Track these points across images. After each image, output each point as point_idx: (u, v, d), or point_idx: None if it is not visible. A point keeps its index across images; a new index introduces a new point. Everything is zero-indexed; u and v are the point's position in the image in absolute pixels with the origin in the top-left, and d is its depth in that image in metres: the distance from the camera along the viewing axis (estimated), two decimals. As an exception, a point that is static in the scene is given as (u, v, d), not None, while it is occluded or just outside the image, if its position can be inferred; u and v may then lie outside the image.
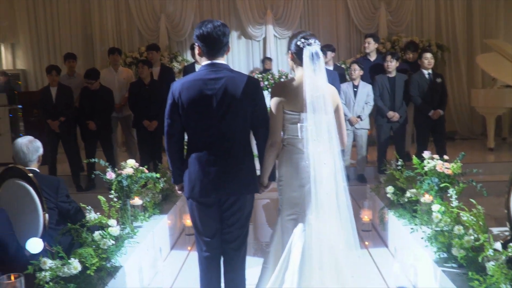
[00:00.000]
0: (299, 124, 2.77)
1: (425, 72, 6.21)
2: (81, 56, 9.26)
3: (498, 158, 7.45)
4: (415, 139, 7.44)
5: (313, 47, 2.76)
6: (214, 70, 2.75)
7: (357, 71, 6.34)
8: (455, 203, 3.20)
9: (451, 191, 3.24)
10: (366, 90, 6.37)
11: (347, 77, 6.99)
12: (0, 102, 7.93)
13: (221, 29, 2.73)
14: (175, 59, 8.91)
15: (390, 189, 4.29)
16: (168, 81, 7.12)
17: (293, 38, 2.87)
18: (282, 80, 7.76)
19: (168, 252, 4.56)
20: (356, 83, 6.39)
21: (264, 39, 9.15)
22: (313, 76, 2.73)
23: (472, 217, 2.89)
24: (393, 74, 6.31)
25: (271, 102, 2.83)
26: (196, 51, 2.84)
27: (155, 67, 7.17)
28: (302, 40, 2.78)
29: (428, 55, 6.19)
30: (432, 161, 3.59)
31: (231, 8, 9.17)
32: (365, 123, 6.50)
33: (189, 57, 9.10)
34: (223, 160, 2.76)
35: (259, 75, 8.02)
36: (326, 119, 2.72)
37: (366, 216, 4.96)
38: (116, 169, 3.80)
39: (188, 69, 7.21)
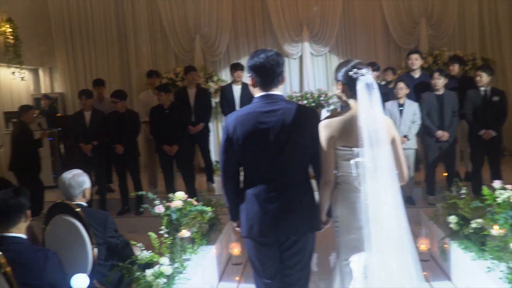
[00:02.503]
0: (353, 161, 2.56)
1: (482, 89, 5.93)
2: (117, 79, 9.33)
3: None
4: (463, 157, 7.15)
5: (367, 77, 2.56)
6: (270, 102, 2.60)
7: (403, 89, 6.08)
8: (538, 239, 2.91)
9: (534, 227, 2.96)
10: (412, 109, 6.10)
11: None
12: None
13: (274, 58, 2.59)
14: (210, 79, 8.82)
15: (453, 219, 4.00)
16: (204, 102, 7.05)
17: (341, 67, 2.68)
18: (321, 101, 7.57)
19: (216, 284, 4.38)
20: (401, 102, 6.12)
21: (301, 57, 8.97)
22: (369, 108, 2.52)
23: None
24: (441, 91, 6.04)
25: (321, 139, 2.62)
26: (249, 81, 2.69)
27: (191, 88, 7.09)
28: (355, 70, 2.58)
29: (480, 72, 5.93)
30: (505, 192, 3.30)
31: (267, 26, 9.05)
32: (412, 143, 6.20)
33: (224, 77, 9.01)
34: (283, 196, 2.59)
35: (297, 95, 7.86)
36: (384, 153, 2.50)
37: (423, 245, 4.66)
38: (164, 202, 3.65)
39: (225, 89, 7.10)
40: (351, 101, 2.65)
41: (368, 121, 2.49)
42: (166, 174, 6.48)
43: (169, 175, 6.49)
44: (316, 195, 2.73)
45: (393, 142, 2.63)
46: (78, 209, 3.21)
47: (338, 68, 2.71)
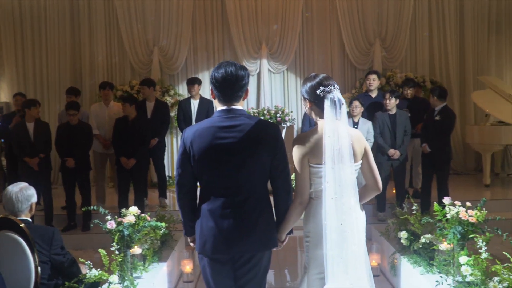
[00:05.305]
0: None
1: (434, 108, 6.22)
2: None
3: (494, 195, 7.40)
4: (412, 175, 7.38)
5: (334, 93, 2.52)
6: (230, 117, 2.55)
7: (358, 108, 6.22)
8: (484, 254, 3.00)
9: (481, 242, 3.05)
10: (366, 127, 6.25)
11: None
12: (-18, 137, 7.57)
13: (234, 73, 2.54)
14: (167, 93, 8.70)
15: (403, 234, 4.09)
16: (161, 116, 6.96)
17: (306, 83, 2.62)
18: (278, 118, 7.63)
19: (167, 303, 4.27)
20: (356, 120, 6.26)
21: (259, 74, 9.02)
22: (335, 126, 2.49)
23: (509, 272, 2.70)
24: (393, 111, 6.23)
25: (294, 158, 2.59)
26: (210, 95, 2.65)
27: (149, 101, 7.00)
28: (321, 87, 2.53)
29: (430, 94, 6.25)
30: (454, 208, 3.40)
31: (226, 41, 9.06)
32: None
33: (181, 91, 8.92)
34: (239, 213, 2.54)
35: (255, 111, 7.89)
36: (347, 172, 2.48)
37: (374, 260, 4.73)
38: (116, 217, 3.52)
39: (183, 103, 7.04)
40: (320, 120, 2.60)
41: (332, 140, 2.46)
42: (123, 188, 6.31)
43: (125, 189, 6.33)
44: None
45: (365, 154, 2.63)
46: (22, 225, 3.06)
47: (304, 84, 2.64)
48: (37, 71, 9.13)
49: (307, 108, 2.67)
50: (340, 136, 2.48)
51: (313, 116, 2.67)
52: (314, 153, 2.55)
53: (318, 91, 2.54)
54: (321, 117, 2.58)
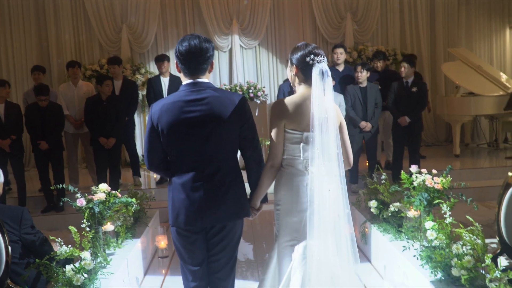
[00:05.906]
0: (301, 144, 2.57)
1: (404, 80, 6.27)
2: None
3: (463, 165, 7.58)
4: (384, 147, 7.51)
5: (323, 64, 2.56)
6: (196, 90, 2.54)
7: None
8: (449, 219, 3.10)
9: (445, 208, 3.14)
10: (337, 100, 6.27)
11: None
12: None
13: (197, 46, 2.52)
14: (138, 71, 8.57)
15: (373, 203, 4.18)
16: (130, 95, 6.88)
17: (297, 51, 2.65)
18: (250, 94, 7.61)
19: (142, 278, 4.29)
20: (327, 94, 6.29)
21: (230, 50, 8.96)
22: (322, 95, 2.53)
23: (471, 235, 2.79)
24: (364, 84, 6.29)
25: (271, 121, 2.63)
26: (176, 68, 2.63)
27: (117, 80, 6.89)
28: (312, 56, 2.57)
29: (404, 64, 6.28)
30: (420, 176, 3.49)
31: (196, 18, 8.93)
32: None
33: (152, 69, 8.80)
34: (210, 185, 2.56)
35: (227, 87, 7.85)
36: (333, 140, 2.52)
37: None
38: (86, 195, 3.50)
39: (153, 81, 6.96)
40: (302, 86, 2.64)
41: (321, 108, 2.50)
42: (102, 166, 6.25)
43: (104, 169, 6.27)
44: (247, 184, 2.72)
45: (340, 127, 2.66)
46: (-11, 205, 3.02)
47: (294, 51, 2.67)
48: (2, 51, 8.84)
49: (292, 73, 2.70)
50: (326, 106, 2.52)
51: (296, 82, 2.70)
52: (292, 119, 2.58)
53: (308, 59, 2.58)
54: (305, 83, 2.62)
